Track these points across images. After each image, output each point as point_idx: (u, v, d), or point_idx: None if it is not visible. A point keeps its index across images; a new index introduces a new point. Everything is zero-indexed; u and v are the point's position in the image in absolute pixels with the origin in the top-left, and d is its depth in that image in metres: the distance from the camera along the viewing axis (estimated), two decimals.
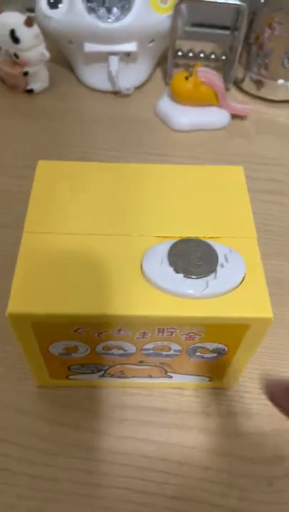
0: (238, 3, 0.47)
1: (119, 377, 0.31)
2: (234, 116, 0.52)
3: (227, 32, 0.60)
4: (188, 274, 0.25)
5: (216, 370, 0.30)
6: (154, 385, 0.32)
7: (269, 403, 0.32)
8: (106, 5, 0.47)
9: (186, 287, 0.24)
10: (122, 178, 0.30)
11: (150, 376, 0.31)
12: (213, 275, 0.25)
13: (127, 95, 0.54)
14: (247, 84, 0.54)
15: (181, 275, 0.25)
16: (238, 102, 0.52)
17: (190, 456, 0.30)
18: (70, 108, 0.53)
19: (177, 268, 0.25)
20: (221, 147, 0.49)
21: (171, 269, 0.25)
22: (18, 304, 0.24)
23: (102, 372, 0.30)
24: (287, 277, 0.39)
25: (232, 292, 0.25)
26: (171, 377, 0.31)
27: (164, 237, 0.27)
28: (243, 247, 0.26)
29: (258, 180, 0.46)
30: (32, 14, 0.50)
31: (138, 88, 0.55)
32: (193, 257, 0.26)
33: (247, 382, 0.33)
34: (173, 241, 0.26)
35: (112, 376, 0.31)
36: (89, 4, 0.47)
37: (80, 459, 0.29)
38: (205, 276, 0.25)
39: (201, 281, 0.24)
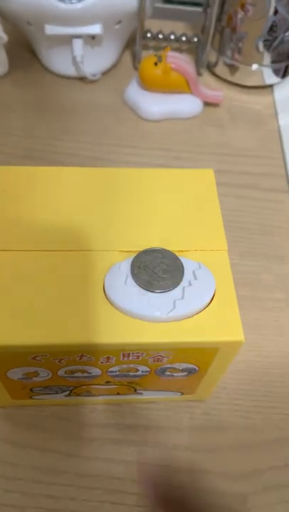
0: None
1: (86, 396, 0.29)
2: (207, 104, 0.49)
3: (199, 9, 0.57)
4: (151, 288, 0.23)
5: (188, 386, 0.29)
6: (124, 400, 0.31)
7: (245, 415, 0.31)
8: None
9: (152, 309, 0.22)
10: (84, 185, 0.27)
11: (119, 394, 0.29)
12: (180, 294, 0.23)
13: (93, 81, 0.51)
14: (220, 69, 0.52)
15: (146, 296, 0.23)
16: (211, 88, 0.49)
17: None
18: (32, 95, 0.49)
19: (140, 282, 0.23)
20: (193, 138, 0.47)
21: (135, 289, 0.23)
22: None
23: (68, 392, 0.28)
24: (261, 278, 0.37)
25: (201, 313, 0.23)
26: (141, 393, 0.29)
27: (127, 251, 0.25)
28: (213, 261, 0.25)
29: (231, 173, 0.44)
30: None
31: (105, 73, 0.51)
32: (157, 269, 0.24)
33: (221, 393, 0.32)
34: (137, 255, 0.24)
35: (78, 395, 0.29)
36: None
37: (46, 483, 0.28)
38: (169, 290, 0.23)
39: (168, 302, 0.23)
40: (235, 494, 0.28)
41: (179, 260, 0.24)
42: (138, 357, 0.24)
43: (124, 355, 0.23)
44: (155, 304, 0.23)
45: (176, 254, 0.25)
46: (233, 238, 0.39)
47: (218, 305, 0.23)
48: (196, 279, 0.24)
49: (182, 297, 0.23)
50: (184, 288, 0.23)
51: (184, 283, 0.23)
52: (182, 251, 0.25)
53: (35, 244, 0.25)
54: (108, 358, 0.24)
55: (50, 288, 0.23)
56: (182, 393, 0.30)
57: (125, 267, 0.24)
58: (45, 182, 0.27)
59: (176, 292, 0.23)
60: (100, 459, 0.29)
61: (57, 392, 0.28)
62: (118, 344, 0.22)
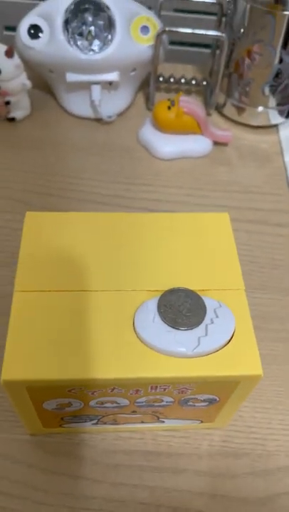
0: (218, 34, 0.48)
1: (112, 424, 0.31)
2: (216, 143, 0.53)
3: (208, 50, 0.61)
4: (177, 325, 0.25)
5: (208, 415, 0.31)
6: (147, 429, 0.32)
7: (260, 442, 0.33)
8: (87, 37, 0.47)
9: (178, 345, 0.25)
10: (111, 229, 0.30)
11: (142, 422, 0.31)
12: (203, 331, 0.25)
13: (109, 122, 0.54)
14: (228, 110, 0.55)
15: (173, 333, 0.25)
16: (220, 128, 0.52)
17: (184, 501, 0.30)
18: (53, 135, 0.52)
19: (166, 320, 0.25)
20: (203, 176, 0.50)
21: (163, 327, 0.25)
22: (12, 370, 0.24)
23: (95, 420, 0.30)
24: (273, 310, 0.40)
25: (222, 350, 0.25)
26: (163, 421, 0.31)
27: (154, 290, 0.27)
28: (231, 300, 0.27)
29: (240, 209, 0.47)
30: (9, 33, 0.50)
31: (120, 115, 0.55)
32: (182, 308, 0.26)
33: (237, 421, 0.34)
34: (164, 295, 0.27)
35: (104, 423, 0.31)
36: (70, 35, 0.47)
37: (76, 508, 0.30)
38: (193, 328, 0.25)
39: (193, 339, 0.25)
40: None
41: (202, 299, 0.27)
42: (165, 389, 0.26)
43: (152, 388, 0.26)
44: (181, 340, 0.25)
45: (198, 293, 0.27)
46: (244, 272, 0.41)
47: (238, 341, 0.25)
48: (217, 317, 0.26)
49: (206, 334, 0.25)
50: (206, 325, 0.26)
51: (206, 321, 0.26)
52: (203, 290, 0.27)
53: (69, 285, 0.27)
54: (137, 390, 0.26)
55: (85, 325, 0.25)
56: (202, 421, 0.32)
57: (153, 305, 0.26)
58: (74, 226, 0.30)
59: (200, 330, 0.25)
60: (125, 485, 0.31)
61: (85, 421, 0.30)
62: (147, 378, 0.24)
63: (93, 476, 0.31)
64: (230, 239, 0.30)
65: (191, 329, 0.25)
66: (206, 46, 0.71)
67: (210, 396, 0.27)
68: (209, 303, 0.27)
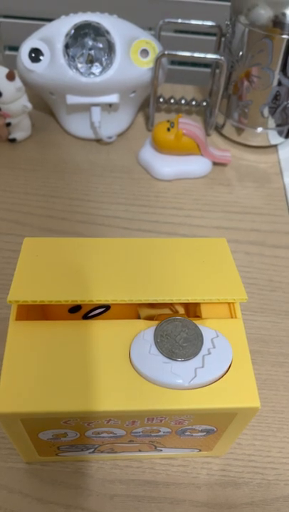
0: (217, 57, 0.48)
1: (108, 452, 0.31)
2: (215, 164, 0.53)
3: (207, 70, 0.62)
4: (173, 356, 0.25)
5: (206, 444, 0.30)
6: (144, 457, 0.32)
7: (260, 471, 0.32)
8: (87, 61, 0.48)
9: (174, 377, 0.24)
10: (108, 255, 0.30)
11: (140, 450, 0.31)
12: (200, 362, 0.25)
13: (109, 143, 0.54)
14: (227, 130, 0.55)
15: (169, 364, 0.25)
16: (219, 149, 0.53)
17: None
18: (53, 157, 0.53)
19: (163, 350, 0.25)
20: (203, 196, 0.50)
21: (160, 358, 0.25)
22: (6, 403, 0.23)
23: (92, 450, 0.30)
24: (272, 334, 0.39)
25: (219, 381, 0.25)
26: (160, 450, 0.31)
27: (150, 319, 0.27)
28: (229, 330, 0.27)
29: (239, 230, 0.47)
30: (12, 53, 0.50)
31: (120, 135, 0.55)
32: (179, 338, 0.26)
33: (236, 449, 0.33)
34: (160, 325, 0.26)
35: (101, 452, 0.31)
36: (70, 59, 0.47)
37: None
38: (190, 359, 0.25)
39: (190, 370, 0.25)
40: None
41: (198, 329, 0.26)
42: (161, 420, 0.25)
43: (148, 419, 0.25)
44: (177, 372, 0.25)
45: (195, 322, 0.27)
46: None
47: (236, 373, 0.25)
48: (214, 347, 0.26)
49: (202, 366, 0.25)
50: (203, 356, 0.25)
51: (203, 351, 0.26)
52: (200, 319, 0.27)
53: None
54: (133, 421, 0.25)
55: (80, 356, 0.25)
56: (200, 450, 0.31)
57: (149, 335, 0.26)
58: (72, 251, 0.30)
59: (197, 361, 0.25)
60: None
61: (82, 450, 0.30)
62: (143, 411, 0.24)
63: (89, 507, 0.30)
64: (230, 262, 0.30)
65: (188, 360, 0.25)
66: (206, 66, 0.72)
67: (207, 427, 0.27)
68: (206, 332, 0.26)
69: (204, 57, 0.49)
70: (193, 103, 0.57)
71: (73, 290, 0.27)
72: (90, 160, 0.53)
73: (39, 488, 0.31)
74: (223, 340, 0.26)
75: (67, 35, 0.47)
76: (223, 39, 0.52)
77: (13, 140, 0.53)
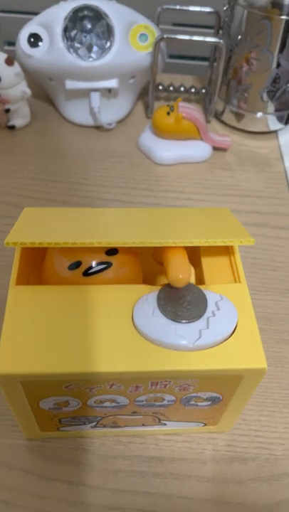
0: (216, 40, 0.48)
1: (111, 427, 0.30)
2: (216, 149, 0.53)
3: (206, 63, 0.62)
4: (177, 318, 0.24)
5: (211, 416, 0.29)
6: (148, 432, 0.31)
7: (266, 446, 0.31)
8: (86, 44, 0.48)
9: (179, 338, 0.24)
10: (109, 219, 0.29)
11: (143, 425, 0.30)
12: (205, 324, 0.24)
13: (108, 130, 0.54)
14: (227, 116, 0.55)
15: (173, 326, 0.24)
16: (219, 134, 0.52)
17: (188, 508, 0.29)
18: (53, 143, 0.52)
19: (166, 313, 0.25)
20: (203, 180, 0.50)
21: (163, 320, 0.24)
22: (6, 364, 0.23)
23: (94, 423, 0.29)
24: (276, 312, 0.39)
25: (225, 342, 0.24)
26: (164, 424, 0.30)
27: (153, 284, 0.26)
28: (233, 294, 0.26)
29: (240, 212, 0.47)
30: (11, 48, 0.50)
31: (120, 122, 0.55)
32: (182, 301, 0.25)
33: (242, 425, 0.32)
34: (163, 289, 0.26)
35: (104, 426, 0.30)
36: (69, 43, 0.47)
37: None
38: (195, 321, 0.24)
39: (194, 331, 0.24)
40: None
41: (202, 292, 0.26)
42: (165, 385, 0.25)
43: (152, 384, 0.25)
44: (182, 333, 0.24)
45: (199, 287, 0.26)
46: (246, 274, 0.41)
47: (241, 334, 0.25)
48: (218, 309, 0.25)
49: (207, 327, 0.24)
50: (208, 318, 0.25)
51: (208, 313, 0.25)
52: (204, 284, 0.27)
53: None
54: (137, 386, 0.25)
55: (82, 319, 0.24)
56: (205, 424, 0.31)
57: (152, 298, 0.25)
58: (73, 217, 0.29)
59: (201, 322, 0.25)
60: (126, 492, 0.29)
61: (84, 423, 0.29)
62: (147, 372, 0.23)
63: (92, 483, 0.29)
64: (234, 221, 0.29)
65: (192, 322, 0.24)
66: (204, 59, 0.72)
67: (213, 394, 0.26)
68: (210, 296, 0.26)
69: (203, 41, 0.49)
70: (193, 90, 0.57)
71: (74, 235, 0.26)
72: (89, 146, 0.53)
73: (40, 465, 0.30)
74: (228, 303, 0.25)
75: (66, 18, 0.47)
76: (221, 26, 0.52)
77: (12, 127, 0.53)
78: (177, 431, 0.31)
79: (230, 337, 0.24)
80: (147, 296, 0.26)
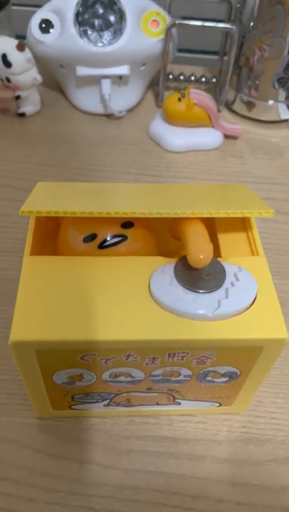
0: (228, 26, 0.48)
1: (124, 405, 0.29)
2: (227, 137, 0.52)
3: (214, 57, 0.62)
4: (195, 288, 0.24)
5: (227, 395, 0.29)
6: (162, 412, 0.31)
7: (282, 428, 0.31)
8: (98, 29, 0.47)
9: (197, 307, 0.23)
10: (123, 195, 0.29)
11: (157, 404, 0.29)
12: (224, 294, 0.24)
13: (119, 118, 0.54)
14: (238, 106, 0.55)
15: (191, 295, 0.24)
16: (230, 122, 0.52)
17: (202, 488, 0.28)
18: (63, 130, 0.52)
19: (184, 283, 0.24)
20: (215, 167, 0.49)
21: (181, 289, 0.24)
22: (21, 331, 0.22)
23: (107, 401, 0.29)
24: None
25: (245, 313, 0.24)
26: (179, 403, 0.29)
27: (170, 256, 0.26)
28: (252, 266, 0.26)
29: None
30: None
31: (130, 111, 0.55)
32: (200, 272, 0.25)
33: (257, 407, 0.32)
34: (181, 260, 0.25)
35: (117, 405, 0.29)
36: (81, 28, 0.47)
37: (86, 495, 0.27)
38: (213, 291, 0.24)
39: (213, 301, 0.24)
40: (278, 507, 0.27)
41: (220, 263, 0.25)
42: (182, 357, 0.24)
43: (169, 356, 0.24)
44: (200, 302, 0.23)
45: (217, 259, 0.26)
46: None
47: (261, 305, 0.24)
48: (238, 280, 0.24)
49: (226, 297, 0.24)
50: (227, 289, 0.24)
51: (226, 284, 0.24)
52: (221, 256, 0.26)
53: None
54: (154, 358, 0.24)
55: (98, 289, 0.24)
56: (220, 404, 0.30)
57: (169, 269, 0.25)
58: (85, 192, 0.29)
59: (220, 292, 0.24)
60: (139, 471, 0.29)
61: (97, 401, 0.29)
62: (165, 341, 0.23)
63: (104, 462, 0.29)
64: (252, 195, 0.29)
65: (211, 292, 0.24)
66: (214, 53, 0.72)
67: (230, 369, 0.26)
68: (228, 267, 0.25)
69: (215, 27, 0.48)
70: (203, 80, 0.57)
71: (90, 205, 0.25)
72: (99, 134, 0.52)
73: (52, 444, 0.29)
74: (247, 274, 0.25)
75: (77, 3, 0.46)
76: (232, 17, 0.52)
77: (22, 114, 0.53)
78: (191, 411, 0.31)
79: (249, 308, 0.24)
80: (164, 267, 0.25)
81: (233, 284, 0.24)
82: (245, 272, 0.25)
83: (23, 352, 0.23)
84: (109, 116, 0.54)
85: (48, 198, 0.27)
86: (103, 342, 0.22)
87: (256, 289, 0.24)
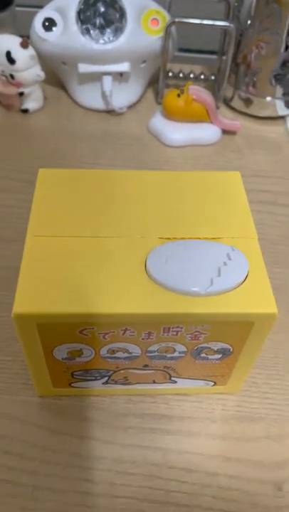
0: (226, 24, 0.49)
1: (122, 383, 0.30)
2: (225, 132, 0.53)
3: (213, 56, 0.63)
4: (190, 267, 0.25)
5: (221, 373, 0.30)
6: (158, 391, 0.32)
7: (275, 407, 0.32)
8: (99, 27, 0.49)
9: (191, 285, 0.24)
10: (123, 184, 0.30)
11: (154, 381, 0.30)
12: (216, 272, 0.25)
13: (119, 114, 0.55)
14: (236, 102, 0.56)
15: (186, 274, 0.25)
16: (228, 118, 0.53)
17: (197, 463, 0.29)
18: (65, 126, 0.54)
19: (180, 261, 0.25)
20: (213, 161, 0.51)
21: (176, 268, 0.25)
22: (23, 304, 0.24)
23: (106, 378, 0.30)
24: (285, 284, 0.39)
25: (236, 289, 0.25)
26: (175, 382, 0.31)
27: (166, 238, 0.27)
28: (244, 247, 0.27)
29: (250, 191, 0.46)
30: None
31: (131, 107, 0.56)
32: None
33: (251, 387, 0.33)
34: (176, 241, 0.27)
35: (115, 383, 0.30)
36: (83, 26, 0.49)
37: (85, 468, 0.29)
38: (207, 270, 0.25)
39: (206, 279, 0.25)
40: (269, 481, 0.29)
41: (212, 245, 0.26)
42: (177, 332, 0.25)
43: (164, 330, 0.25)
44: (194, 280, 0.25)
45: (212, 240, 0.27)
46: None
47: (252, 282, 0.25)
48: (230, 259, 0.26)
49: (219, 275, 0.25)
50: (220, 268, 0.25)
51: (219, 264, 0.26)
52: (216, 238, 0.27)
53: (81, 231, 0.27)
54: (149, 333, 0.25)
55: (97, 267, 0.25)
56: (215, 383, 0.31)
57: (165, 249, 0.26)
58: (86, 182, 0.30)
59: (213, 271, 0.25)
60: (137, 446, 0.30)
61: (96, 378, 0.30)
62: (159, 315, 0.24)
63: (103, 438, 0.30)
64: (242, 194, 0.30)
65: (205, 270, 0.25)
66: (212, 53, 0.73)
67: (223, 345, 0.27)
68: (222, 247, 0.26)
69: (213, 25, 0.50)
70: (202, 77, 0.58)
71: (82, 227, 0.27)
72: (100, 129, 0.54)
73: (52, 421, 0.31)
74: (239, 254, 0.26)
75: (79, 2, 0.48)
76: (230, 16, 0.54)
77: (25, 110, 0.54)
78: (187, 390, 0.32)
79: (241, 285, 0.25)
80: (160, 248, 0.26)
81: (225, 264, 0.25)
82: (238, 252, 0.26)
83: (25, 325, 0.24)
84: (110, 112, 0.55)
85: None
86: (101, 315, 0.24)
87: (248, 268, 0.25)
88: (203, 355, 0.28)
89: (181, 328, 0.25)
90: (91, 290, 0.24)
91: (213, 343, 0.26)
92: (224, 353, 0.27)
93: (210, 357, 0.28)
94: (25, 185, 0.46)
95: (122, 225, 0.28)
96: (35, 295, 0.24)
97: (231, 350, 0.27)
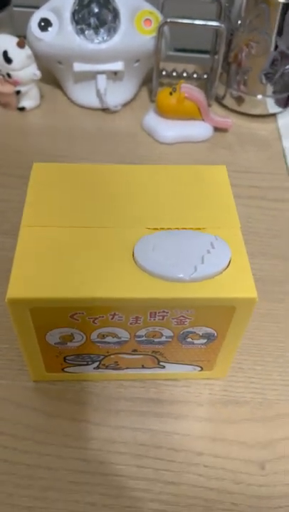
0: (217, 24, 0.51)
1: (113, 368, 0.32)
2: (216, 130, 0.55)
3: (207, 56, 0.64)
4: (176, 254, 0.26)
5: (207, 358, 0.31)
6: (148, 376, 0.33)
7: (260, 391, 0.33)
8: (93, 27, 0.50)
9: (176, 272, 0.26)
10: (114, 177, 0.32)
11: (143, 366, 0.32)
12: (200, 260, 0.26)
13: (114, 112, 0.57)
14: (228, 100, 0.58)
15: (171, 261, 0.26)
16: (220, 116, 0.55)
17: (184, 443, 0.31)
18: (61, 124, 0.55)
19: (166, 250, 0.27)
20: (204, 157, 0.52)
21: (162, 256, 0.26)
22: (17, 289, 0.25)
23: (97, 363, 0.31)
24: (272, 274, 0.41)
25: (219, 276, 0.26)
26: (163, 367, 0.32)
27: (153, 228, 0.28)
28: (228, 236, 0.28)
29: (240, 186, 0.49)
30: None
31: (125, 105, 0.58)
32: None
33: (238, 372, 0.34)
34: (163, 231, 0.28)
35: (106, 367, 0.32)
36: (78, 27, 0.50)
37: (76, 448, 0.30)
38: (191, 257, 0.26)
39: (190, 266, 0.26)
40: (253, 461, 0.30)
41: (196, 235, 0.28)
42: (163, 317, 0.27)
43: (151, 315, 0.26)
44: (179, 267, 0.26)
45: (196, 230, 0.28)
46: (244, 240, 0.43)
47: (234, 269, 0.27)
48: (213, 248, 0.27)
49: (202, 262, 0.26)
50: (203, 256, 0.27)
51: (203, 252, 0.27)
52: (201, 228, 0.29)
53: (71, 222, 0.28)
54: (137, 318, 0.27)
55: (86, 255, 0.27)
56: (201, 368, 0.32)
57: (152, 239, 0.27)
58: (78, 175, 0.31)
59: (197, 259, 0.26)
60: (127, 428, 0.31)
61: (87, 363, 0.31)
62: (146, 299, 0.25)
63: (95, 420, 0.31)
64: (227, 186, 0.32)
65: (189, 258, 0.26)
66: (205, 52, 0.74)
67: (208, 329, 0.28)
68: (206, 236, 0.28)
69: (205, 25, 0.51)
70: (195, 76, 0.59)
71: (73, 217, 0.29)
72: (95, 126, 0.55)
73: (46, 404, 0.32)
74: (222, 243, 0.27)
75: (74, 3, 0.49)
76: (222, 16, 0.55)
77: (22, 109, 0.55)
78: (175, 375, 0.33)
79: (223, 272, 0.26)
80: (148, 237, 0.28)
81: (209, 252, 0.27)
82: (221, 241, 0.27)
83: (18, 310, 0.25)
84: (105, 110, 0.57)
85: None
86: (90, 300, 0.25)
87: (230, 256, 0.27)
88: (188, 339, 0.29)
89: (167, 312, 0.26)
90: (81, 277, 0.26)
91: (198, 328, 0.28)
92: (209, 337, 0.29)
93: (195, 341, 0.29)
94: (22, 180, 0.48)
95: (112, 216, 0.29)
96: (28, 281, 0.25)
97: (215, 335, 0.29)
